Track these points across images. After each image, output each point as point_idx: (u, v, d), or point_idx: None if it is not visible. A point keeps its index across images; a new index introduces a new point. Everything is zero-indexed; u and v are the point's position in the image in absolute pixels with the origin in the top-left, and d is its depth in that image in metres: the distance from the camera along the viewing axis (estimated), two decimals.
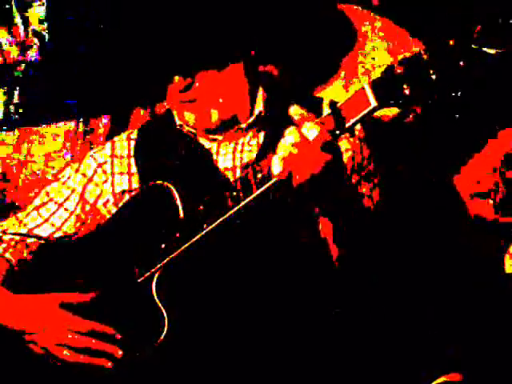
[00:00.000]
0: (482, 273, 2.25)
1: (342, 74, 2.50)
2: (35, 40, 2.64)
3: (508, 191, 2.31)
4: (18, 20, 2.63)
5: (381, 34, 2.45)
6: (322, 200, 1.75)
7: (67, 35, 2.64)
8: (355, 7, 2.48)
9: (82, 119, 2.77)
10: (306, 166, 1.62)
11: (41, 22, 2.64)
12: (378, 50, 2.46)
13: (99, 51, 2.62)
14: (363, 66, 2.48)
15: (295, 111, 1.66)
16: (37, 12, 2.64)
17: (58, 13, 2.65)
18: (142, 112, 2.68)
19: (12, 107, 2.72)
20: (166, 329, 1.81)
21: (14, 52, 2.66)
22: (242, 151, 2.05)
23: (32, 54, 2.66)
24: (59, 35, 2.64)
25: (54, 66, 2.67)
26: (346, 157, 1.99)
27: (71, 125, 2.79)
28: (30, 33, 2.65)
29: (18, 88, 2.70)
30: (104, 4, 2.57)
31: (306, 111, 1.66)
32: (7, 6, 2.66)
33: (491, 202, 2.34)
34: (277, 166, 1.64)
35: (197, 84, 1.97)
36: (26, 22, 2.64)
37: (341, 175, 1.74)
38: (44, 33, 2.64)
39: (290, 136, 1.63)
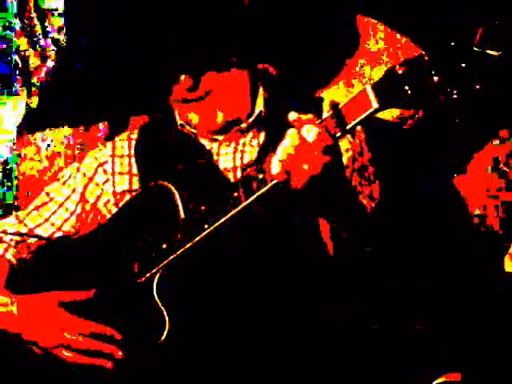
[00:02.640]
0: (482, 273, 2.26)
1: (344, 74, 2.50)
2: (54, 48, 2.68)
3: (509, 191, 2.32)
4: (38, 28, 2.67)
5: (383, 38, 2.46)
6: (321, 201, 1.75)
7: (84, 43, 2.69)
8: (360, 16, 2.49)
9: (81, 125, 2.80)
10: (305, 167, 1.62)
11: (59, 30, 2.67)
12: (379, 53, 2.46)
13: (107, 56, 2.65)
14: (365, 67, 2.48)
15: (294, 116, 1.65)
16: (56, 21, 2.68)
17: (75, 21, 2.69)
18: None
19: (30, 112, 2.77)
20: (166, 329, 1.82)
21: (35, 59, 2.69)
22: (242, 152, 2.05)
23: (51, 62, 2.70)
24: (75, 43, 2.69)
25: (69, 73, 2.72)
26: (346, 157, 1.99)
27: (71, 130, 2.81)
28: (50, 41, 2.69)
29: (37, 94, 2.73)
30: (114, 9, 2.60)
31: (305, 114, 1.65)
32: (28, 15, 2.70)
33: (493, 201, 2.34)
34: (275, 167, 1.64)
35: (202, 84, 1.97)
36: (45, 30, 2.67)
37: (340, 177, 1.73)
38: (62, 40, 2.69)
39: (290, 138, 1.63)
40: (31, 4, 2.70)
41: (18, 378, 1.91)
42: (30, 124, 2.79)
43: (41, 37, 2.67)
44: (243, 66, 2.01)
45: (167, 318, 1.82)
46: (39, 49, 2.68)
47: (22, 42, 2.70)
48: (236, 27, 1.99)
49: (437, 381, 1.95)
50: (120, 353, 1.85)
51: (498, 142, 2.34)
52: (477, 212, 2.37)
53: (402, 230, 2.02)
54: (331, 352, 1.90)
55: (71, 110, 2.76)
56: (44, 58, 2.70)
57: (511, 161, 2.33)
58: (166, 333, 1.81)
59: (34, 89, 2.73)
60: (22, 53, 2.70)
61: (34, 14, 2.68)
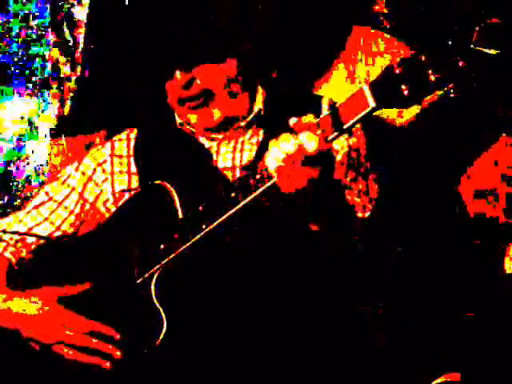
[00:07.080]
0: (482, 273, 2.25)
1: (342, 72, 2.50)
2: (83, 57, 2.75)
3: (509, 191, 2.31)
4: (69, 38, 2.72)
5: (384, 39, 2.46)
6: (310, 208, 1.75)
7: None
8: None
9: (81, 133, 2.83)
10: (291, 180, 1.63)
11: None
12: (378, 52, 2.46)
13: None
14: (363, 66, 2.48)
15: (294, 120, 1.65)
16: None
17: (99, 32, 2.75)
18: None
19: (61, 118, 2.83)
20: (164, 329, 1.81)
21: (66, 68, 2.75)
22: (241, 150, 2.05)
23: (81, 70, 2.77)
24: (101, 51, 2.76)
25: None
26: (341, 154, 1.98)
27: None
28: (79, 50, 2.75)
29: (68, 101, 2.77)
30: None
31: (304, 116, 1.65)
32: (61, 27, 2.78)
33: (492, 202, 2.34)
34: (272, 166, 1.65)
35: (198, 81, 1.96)
36: (75, 40, 2.74)
37: (330, 187, 1.73)
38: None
39: (286, 144, 1.63)
40: (62, 14, 2.75)
41: (18, 377, 1.91)
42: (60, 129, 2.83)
43: (72, 46, 2.71)
44: (241, 63, 2.01)
45: (165, 318, 1.82)
46: (70, 58, 2.74)
47: (55, 51, 2.74)
48: (235, 24, 1.99)
49: (437, 381, 1.95)
50: (118, 353, 1.84)
51: (498, 143, 2.34)
52: (477, 212, 2.37)
53: (400, 229, 2.02)
54: (332, 351, 1.90)
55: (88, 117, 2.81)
56: (74, 67, 2.74)
57: (510, 161, 2.33)
58: (163, 333, 1.81)
59: (65, 96, 2.78)
60: (54, 61, 2.75)
61: (64, 24, 2.73)
